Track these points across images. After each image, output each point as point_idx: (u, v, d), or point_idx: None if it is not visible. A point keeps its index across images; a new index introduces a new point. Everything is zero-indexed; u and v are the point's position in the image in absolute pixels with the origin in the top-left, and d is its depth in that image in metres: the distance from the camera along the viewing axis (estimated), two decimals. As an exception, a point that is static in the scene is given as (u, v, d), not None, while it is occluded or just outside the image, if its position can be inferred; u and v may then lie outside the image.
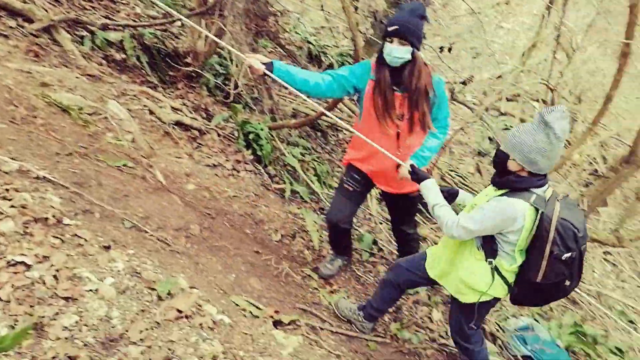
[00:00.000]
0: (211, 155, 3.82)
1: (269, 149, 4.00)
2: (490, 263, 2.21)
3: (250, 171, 3.91)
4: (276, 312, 2.79)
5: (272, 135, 4.18)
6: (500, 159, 2.14)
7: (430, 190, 2.38)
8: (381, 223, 4.12)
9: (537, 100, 7.33)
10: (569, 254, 2.04)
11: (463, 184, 5.59)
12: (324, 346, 2.73)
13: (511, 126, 7.41)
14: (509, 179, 2.11)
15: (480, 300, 2.32)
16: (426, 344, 3.12)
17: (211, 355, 2.14)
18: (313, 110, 4.61)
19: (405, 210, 3.16)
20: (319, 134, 5.08)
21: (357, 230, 3.94)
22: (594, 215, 5.90)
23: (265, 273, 3.10)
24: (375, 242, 3.80)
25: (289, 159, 4.10)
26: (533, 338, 3.70)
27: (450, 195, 2.50)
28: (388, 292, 2.77)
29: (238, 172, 3.82)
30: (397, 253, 3.53)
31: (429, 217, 4.78)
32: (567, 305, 4.70)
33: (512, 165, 2.10)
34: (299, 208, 3.87)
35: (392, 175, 2.93)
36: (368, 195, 4.39)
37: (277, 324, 2.72)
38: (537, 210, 2.05)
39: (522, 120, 6.90)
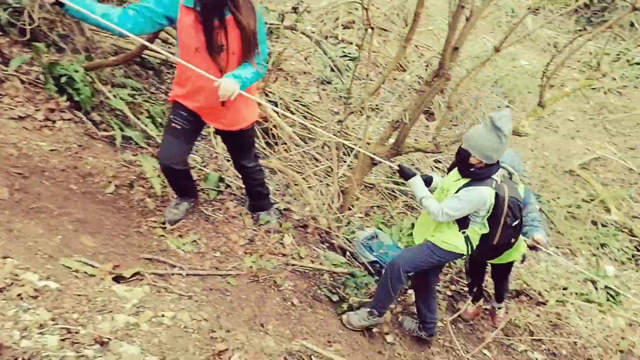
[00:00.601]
0: (15, 106, 3.25)
1: (88, 93, 3.54)
2: (464, 233, 2.82)
3: (69, 120, 3.44)
4: (116, 266, 2.61)
5: (90, 77, 3.69)
6: (463, 156, 2.66)
7: (417, 186, 2.82)
8: (228, 160, 4.03)
9: (372, 28, 7.65)
10: (516, 221, 2.77)
11: (308, 113, 5.69)
12: (174, 291, 2.65)
13: (350, 53, 7.68)
14: (475, 172, 2.66)
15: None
16: (280, 269, 3.24)
17: (37, 324, 1.92)
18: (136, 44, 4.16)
19: (240, 145, 3.11)
20: (150, 72, 4.65)
21: (203, 170, 3.80)
22: (422, 129, 6.56)
23: (99, 229, 2.84)
24: (222, 180, 3.71)
25: (114, 102, 3.69)
26: (378, 244, 4.08)
27: (426, 182, 2.94)
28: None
29: (53, 122, 3.34)
30: (244, 187, 3.52)
31: (277, 148, 4.82)
32: (406, 211, 5.27)
33: (473, 160, 2.63)
34: (134, 155, 3.57)
35: (220, 112, 2.82)
36: (212, 133, 4.24)
37: (118, 279, 2.56)
38: (496, 193, 2.66)
39: (359, 47, 7.17)
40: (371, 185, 5.40)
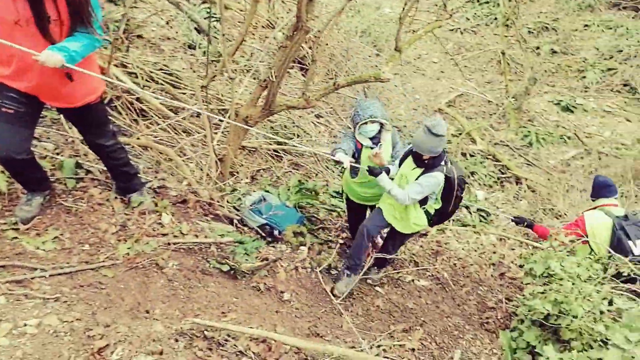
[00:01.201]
0: None
1: None
2: (424, 208, 3.51)
3: None
4: (-43, 283, 2.27)
5: None
6: (417, 156, 3.31)
7: (385, 180, 3.39)
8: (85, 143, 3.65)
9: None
10: (462, 192, 3.51)
11: (178, 82, 5.33)
12: (37, 295, 2.39)
13: (215, 13, 7.31)
14: (429, 163, 3.31)
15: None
16: (161, 250, 3.07)
17: None
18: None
19: (90, 123, 2.82)
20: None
21: (56, 157, 3.41)
22: (299, 86, 6.54)
23: None
24: (80, 166, 3.36)
25: None
26: (266, 207, 4.06)
27: (386, 171, 3.48)
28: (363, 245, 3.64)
29: None
30: (107, 170, 3.22)
31: (144, 123, 4.49)
32: (292, 170, 5.29)
33: (425, 157, 3.27)
34: (-34, 152, 3.07)
35: (59, 88, 2.51)
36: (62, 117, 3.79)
37: (-38, 296, 2.23)
38: (447, 176, 3.36)
39: (227, 8, 6.83)
40: (254, 149, 5.31)
